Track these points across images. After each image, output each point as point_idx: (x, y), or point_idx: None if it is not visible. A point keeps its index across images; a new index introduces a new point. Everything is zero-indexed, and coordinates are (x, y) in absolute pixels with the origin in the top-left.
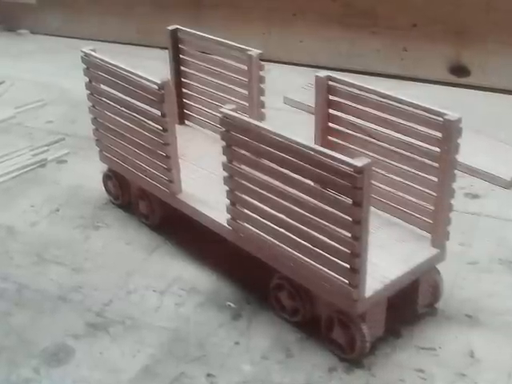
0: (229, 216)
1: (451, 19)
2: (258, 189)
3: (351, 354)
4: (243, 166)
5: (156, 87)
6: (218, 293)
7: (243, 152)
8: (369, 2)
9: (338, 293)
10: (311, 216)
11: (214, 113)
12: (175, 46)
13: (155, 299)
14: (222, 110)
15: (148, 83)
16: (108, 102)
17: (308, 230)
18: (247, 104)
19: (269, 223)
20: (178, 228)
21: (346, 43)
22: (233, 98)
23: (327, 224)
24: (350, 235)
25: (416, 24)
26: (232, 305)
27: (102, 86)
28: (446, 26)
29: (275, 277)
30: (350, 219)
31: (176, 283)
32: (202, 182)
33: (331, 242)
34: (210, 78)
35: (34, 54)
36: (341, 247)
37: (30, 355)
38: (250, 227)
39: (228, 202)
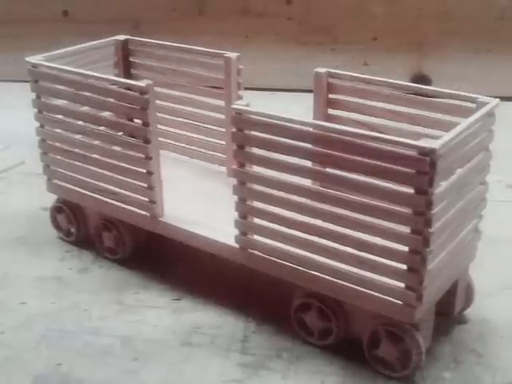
0: (236, 231)
1: (411, 30)
2: (281, 193)
3: (404, 371)
4: (259, 169)
5: (138, 92)
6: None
7: (260, 152)
8: (327, 19)
9: (390, 301)
10: (359, 215)
11: (183, 133)
12: (125, 59)
13: None
14: (233, 106)
15: (126, 90)
16: (65, 119)
17: (354, 232)
18: (224, 117)
19: (296, 233)
20: (161, 260)
21: (304, 62)
22: (206, 113)
23: (381, 221)
24: (409, 230)
25: (376, 37)
26: None
27: (57, 102)
28: (406, 38)
29: (297, 296)
30: (410, 211)
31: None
32: (182, 203)
33: (385, 241)
34: (173, 93)
35: None
36: (397, 246)
37: None
38: (268, 241)
39: (237, 214)
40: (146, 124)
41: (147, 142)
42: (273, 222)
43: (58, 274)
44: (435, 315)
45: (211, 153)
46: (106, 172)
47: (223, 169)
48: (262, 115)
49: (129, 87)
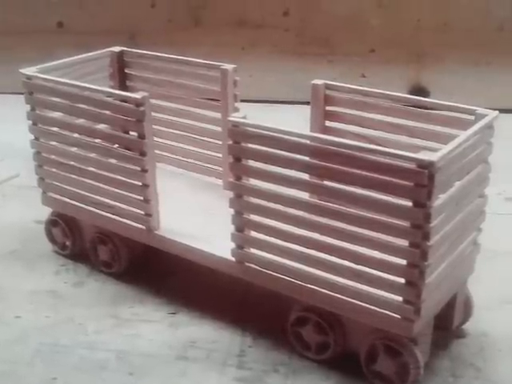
0: (233, 245)
1: (410, 42)
2: (278, 206)
3: None
4: (256, 182)
5: (133, 104)
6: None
7: (257, 165)
8: (324, 30)
9: (388, 314)
10: (357, 229)
11: (179, 145)
12: (121, 71)
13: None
14: (230, 118)
15: (121, 102)
16: (60, 131)
17: (351, 245)
18: (220, 129)
19: (293, 246)
20: (156, 274)
21: (301, 74)
22: (202, 125)
23: (379, 234)
24: (407, 243)
25: (374, 49)
26: None
27: (52, 114)
28: (404, 49)
29: (295, 310)
30: (408, 224)
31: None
32: (178, 216)
33: (383, 254)
34: (169, 105)
35: None
36: (395, 259)
37: None
38: (265, 254)
39: (233, 228)
40: (141, 136)
41: (143, 154)
42: (270, 236)
43: (53, 287)
44: (433, 329)
45: (208, 165)
46: (101, 185)
47: (220, 182)
48: (259, 127)
49: (124, 99)
